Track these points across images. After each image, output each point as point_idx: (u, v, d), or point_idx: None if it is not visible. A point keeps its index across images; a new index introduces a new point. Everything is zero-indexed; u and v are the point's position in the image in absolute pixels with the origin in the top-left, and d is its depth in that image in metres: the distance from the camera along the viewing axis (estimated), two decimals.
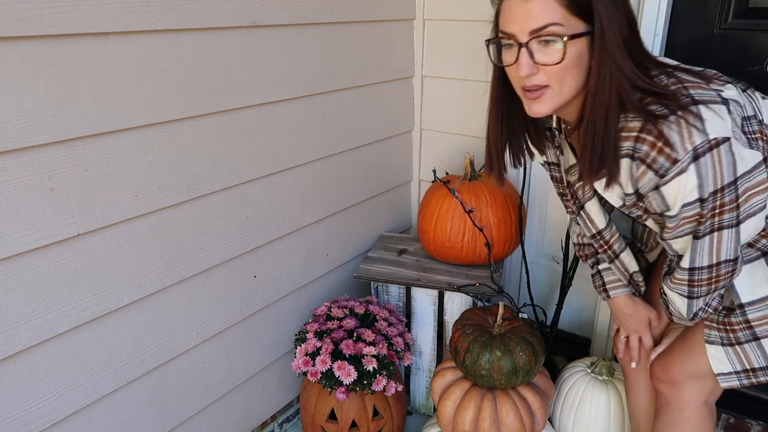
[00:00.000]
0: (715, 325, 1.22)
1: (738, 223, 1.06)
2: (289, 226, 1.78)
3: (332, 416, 1.74)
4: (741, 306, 1.17)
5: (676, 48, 1.76)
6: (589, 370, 1.76)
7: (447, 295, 1.87)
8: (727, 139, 1.01)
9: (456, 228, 1.85)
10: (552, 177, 1.43)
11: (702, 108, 1.01)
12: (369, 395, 1.73)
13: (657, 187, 1.06)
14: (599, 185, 1.20)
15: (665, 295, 1.23)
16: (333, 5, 1.73)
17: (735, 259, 1.10)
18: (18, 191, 1.13)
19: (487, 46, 1.08)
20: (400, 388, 1.70)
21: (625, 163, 1.09)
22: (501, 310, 1.60)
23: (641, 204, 1.15)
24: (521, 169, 2.00)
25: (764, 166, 1.07)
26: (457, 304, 1.86)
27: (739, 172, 1.03)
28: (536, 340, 1.57)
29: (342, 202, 1.97)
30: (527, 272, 2.00)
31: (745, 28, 1.65)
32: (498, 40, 1.06)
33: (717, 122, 1.01)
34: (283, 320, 1.85)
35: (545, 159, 1.38)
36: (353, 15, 1.82)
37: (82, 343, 1.31)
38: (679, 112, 1.01)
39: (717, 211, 1.04)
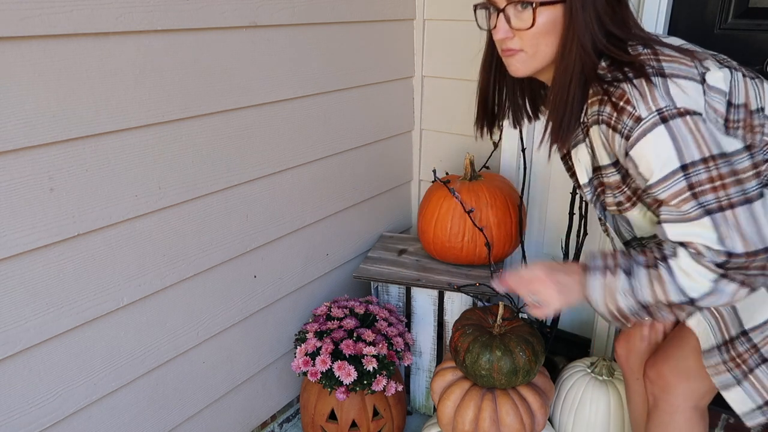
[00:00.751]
0: (723, 367, 1.17)
1: (747, 200, 0.97)
2: (289, 226, 1.78)
3: (332, 416, 1.74)
4: (744, 333, 1.14)
5: None
6: (589, 370, 1.77)
7: (447, 295, 1.87)
8: (698, 114, 0.98)
9: (456, 228, 1.85)
10: None
11: (668, 81, 1.01)
12: (369, 395, 1.73)
13: (627, 154, 1.04)
14: (573, 153, 1.20)
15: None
16: (333, 5, 1.73)
17: (765, 249, 0.97)
18: (18, 191, 1.13)
19: (474, 10, 1.15)
20: (400, 388, 1.70)
21: (595, 131, 1.10)
22: (501, 310, 1.60)
23: (625, 188, 1.11)
24: (521, 169, 2.00)
25: (747, 154, 1.03)
26: (457, 304, 1.86)
27: (725, 147, 0.98)
28: (536, 340, 1.57)
29: (342, 202, 1.97)
30: None
31: (745, 28, 1.65)
32: (481, 5, 1.14)
33: (681, 96, 0.99)
34: (283, 320, 1.85)
35: None
36: (353, 15, 1.82)
37: (82, 343, 1.31)
38: (641, 79, 1.01)
39: (717, 183, 0.96)
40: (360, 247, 2.12)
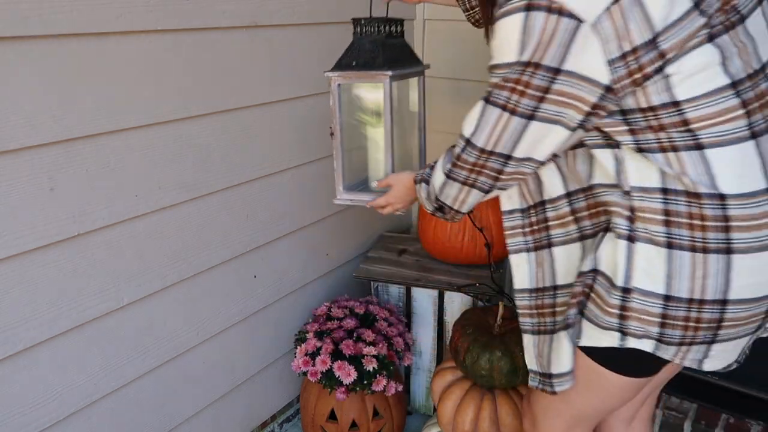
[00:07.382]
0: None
1: (531, 117, 0.91)
2: (289, 226, 1.78)
3: (332, 416, 1.74)
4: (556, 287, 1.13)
5: None
6: None
7: (447, 295, 1.87)
8: (576, 19, 0.83)
9: (456, 228, 1.85)
10: None
11: None
12: (369, 395, 1.73)
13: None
14: None
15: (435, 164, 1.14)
16: (333, 5, 1.73)
17: (508, 158, 0.96)
18: (18, 191, 1.13)
19: None
20: (400, 388, 1.70)
21: None
22: (501, 310, 1.60)
23: None
24: None
25: (603, 94, 0.87)
26: (457, 304, 1.86)
27: (567, 66, 0.85)
28: None
29: None
30: None
31: None
32: None
33: None
34: (283, 320, 1.85)
35: None
36: (353, 15, 1.82)
37: (83, 343, 1.31)
38: None
39: (520, 88, 0.89)
40: (360, 247, 2.12)
